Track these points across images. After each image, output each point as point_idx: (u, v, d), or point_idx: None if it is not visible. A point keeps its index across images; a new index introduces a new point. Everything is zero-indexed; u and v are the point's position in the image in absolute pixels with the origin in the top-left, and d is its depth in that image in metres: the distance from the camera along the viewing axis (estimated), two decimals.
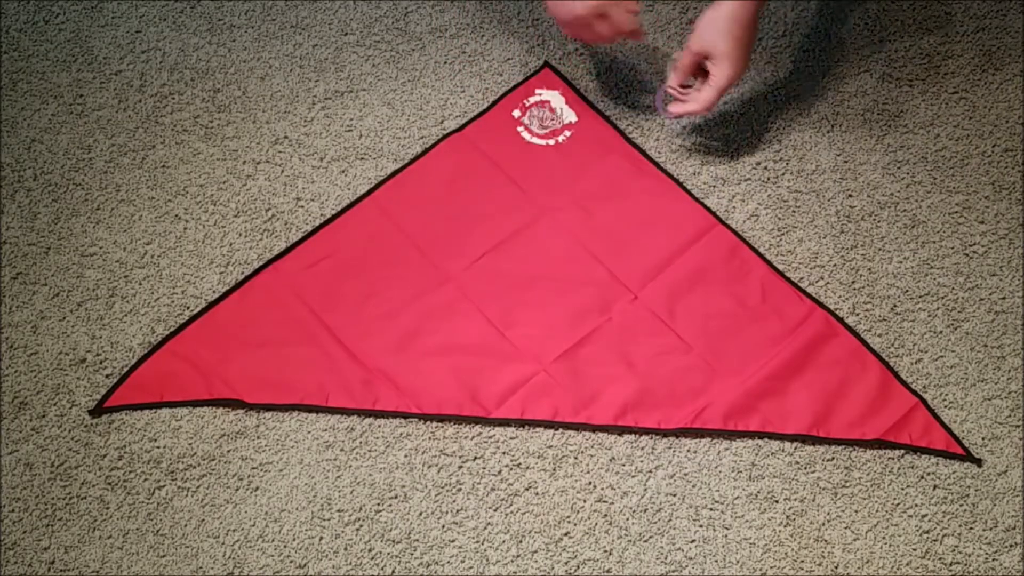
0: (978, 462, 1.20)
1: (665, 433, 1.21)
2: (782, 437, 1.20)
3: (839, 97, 1.45)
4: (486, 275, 1.30)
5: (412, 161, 1.38)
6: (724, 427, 1.20)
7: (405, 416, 1.21)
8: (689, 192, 1.37)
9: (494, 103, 1.42)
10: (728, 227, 1.34)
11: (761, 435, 1.20)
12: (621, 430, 1.21)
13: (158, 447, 1.20)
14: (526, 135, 1.40)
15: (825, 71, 1.47)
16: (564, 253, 1.32)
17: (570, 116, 1.42)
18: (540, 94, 1.43)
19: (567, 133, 1.41)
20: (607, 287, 1.29)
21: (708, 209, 1.35)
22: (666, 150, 1.40)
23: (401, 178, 1.36)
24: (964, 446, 1.20)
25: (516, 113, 1.42)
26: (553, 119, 1.41)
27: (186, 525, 1.16)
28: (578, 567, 1.14)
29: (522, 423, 1.21)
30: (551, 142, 1.40)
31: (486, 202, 1.35)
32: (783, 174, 1.39)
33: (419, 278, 1.29)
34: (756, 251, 1.33)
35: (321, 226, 1.33)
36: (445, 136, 1.40)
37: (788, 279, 1.30)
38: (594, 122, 1.42)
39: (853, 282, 1.31)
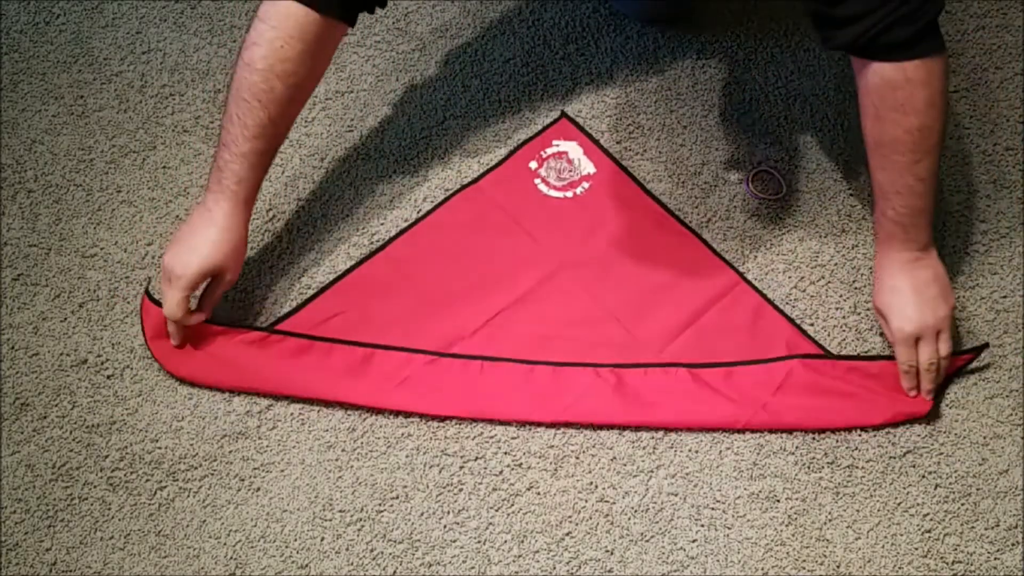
0: (985, 346, 1.25)
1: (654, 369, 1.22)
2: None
3: (840, 96, 1.45)
4: (499, 335, 1.26)
5: (427, 214, 1.34)
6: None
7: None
8: (711, 247, 1.32)
9: (509, 154, 1.38)
10: (751, 285, 1.29)
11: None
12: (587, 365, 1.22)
13: (159, 448, 1.20)
14: (543, 187, 1.36)
15: (826, 70, 1.47)
16: (580, 312, 1.27)
17: (588, 167, 1.37)
18: (557, 145, 1.39)
19: (585, 185, 1.36)
20: (624, 348, 1.25)
21: (730, 265, 1.31)
22: (667, 159, 1.40)
23: (415, 231, 1.32)
24: (966, 351, 1.24)
25: (533, 165, 1.37)
26: (571, 170, 1.37)
27: (188, 526, 1.16)
28: (580, 567, 1.14)
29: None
30: (569, 194, 1.35)
31: (502, 256, 1.31)
32: (784, 174, 1.39)
33: (431, 338, 1.25)
34: (781, 311, 1.28)
35: (333, 282, 1.28)
36: (460, 188, 1.36)
37: (816, 342, 1.26)
38: (613, 173, 1.37)
39: (854, 281, 1.31)
